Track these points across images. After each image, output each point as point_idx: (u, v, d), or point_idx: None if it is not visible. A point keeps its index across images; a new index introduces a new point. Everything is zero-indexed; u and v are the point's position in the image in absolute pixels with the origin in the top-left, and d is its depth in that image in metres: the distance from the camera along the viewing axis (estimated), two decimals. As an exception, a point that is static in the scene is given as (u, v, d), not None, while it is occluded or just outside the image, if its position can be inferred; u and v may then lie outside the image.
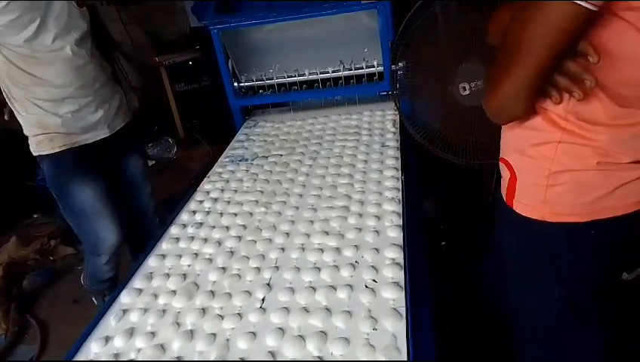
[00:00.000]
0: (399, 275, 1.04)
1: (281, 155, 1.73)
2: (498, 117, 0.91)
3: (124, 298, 1.11)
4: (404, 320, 0.93)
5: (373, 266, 1.09)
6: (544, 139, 0.90)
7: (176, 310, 1.05)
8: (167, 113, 4.15)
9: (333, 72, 2.04)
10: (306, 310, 0.99)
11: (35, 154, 1.71)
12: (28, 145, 1.72)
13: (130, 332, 1.00)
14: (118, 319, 1.05)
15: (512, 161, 0.98)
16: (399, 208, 1.28)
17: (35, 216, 3.09)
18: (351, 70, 2.03)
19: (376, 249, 1.14)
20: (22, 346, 2.02)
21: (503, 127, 0.99)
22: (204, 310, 1.04)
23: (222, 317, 1.01)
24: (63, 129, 1.68)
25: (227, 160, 1.77)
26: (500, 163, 1.03)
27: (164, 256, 1.24)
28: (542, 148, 0.91)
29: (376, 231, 1.20)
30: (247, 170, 1.65)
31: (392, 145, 1.65)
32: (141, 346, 0.97)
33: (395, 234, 1.18)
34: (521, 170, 0.96)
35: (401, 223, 1.22)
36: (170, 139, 3.95)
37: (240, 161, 1.74)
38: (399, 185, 1.39)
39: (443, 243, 2.10)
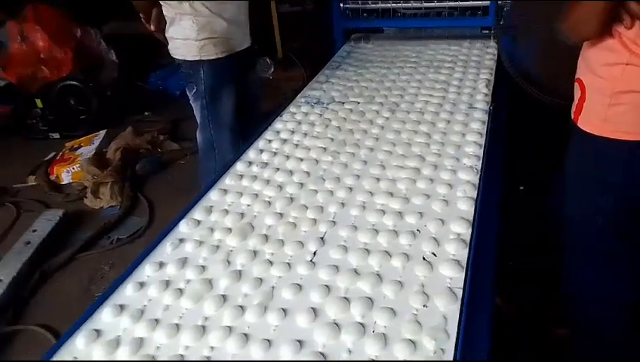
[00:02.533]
0: (462, 253, 0.96)
1: (359, 103, 1.65)
2: (570, 35, 1.04)
3: (183, 227, 1.13)
4: (459, 303, 0.86)
5: (435, 238, 1.01)
6: (614, 60, 1.00)
7: (229, 248, 1.06)
8: (269, 33, 4.17)
9: (437, 1, 2.08)
10: (356, 272, 0.95)
11: (193, 59, 1.70)
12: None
13: (183, 262, 1.02)
14: (174, 247, 1.07)
15: (585, 79, 1.09)
16: (476, 179, 1.17)
17: (147, 113, 3.51)
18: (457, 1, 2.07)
19: (441, 220, 1.06)
20: (133, 218, 2.29)
21: (582, 47, 1.09)
22: (255, 253, 1.03)
23: (271, 263, 1.00)
24: (227, 34, 1.68)
25: (303, 100, 1.72)
26: (575, 83, 1.13)
27: (225, 192, 1.24)
28: (611, 69, 1.01)
29: (446, 201, 1.11)
30: (321, 115, 1.59)
31: (481, 107, 1.51)
32: (191, 278, 0.98)
33: (466, 208, 1.09)
34: (590, 89, 1.07)
35: (475, 196, 1.12)
36: (268, 60, 3.97)
37: (315, 103, 1.68)
38: (480, 152, 1.27)
39: (521, 187, 1.96)
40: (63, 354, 0.84)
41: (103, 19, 3.83)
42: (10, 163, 2.86)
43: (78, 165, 2.49)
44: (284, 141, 1.46)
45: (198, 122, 1.82)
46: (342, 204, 1.15)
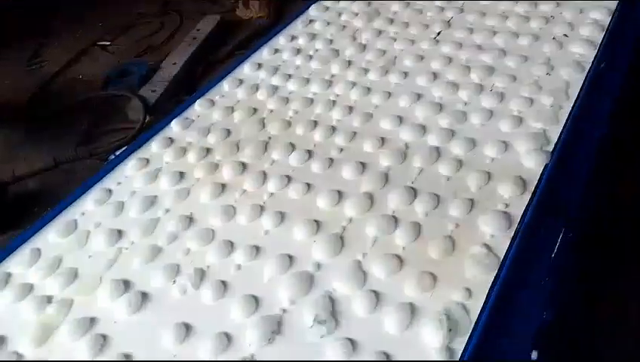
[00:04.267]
0: (597, 36, 0.92)
1: None
2: None
3: (312, 11, 1.20)
4: (584, 73, 0.85)
5: (569, 23, 0.97)
6: None
7: (355, 28, 1.11)
8: None
9: None
10: (479, 47, 0.96)
11: None
12: None
13: (312, 37, 1.10)
14: (305, 24, 1.15)
15: None
16: None
17: None
18: None
19: (580, 8, 1.00)
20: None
21: None
22: (380, 32, 1.08)
23: (394, 39, 1.04)
24: None
25: None
26: None
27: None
28: None
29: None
30: None
31: None
32: (319, 47, 1.07)
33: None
34: None
35: None
36: None
37: None
38: None
39: None
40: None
41: None
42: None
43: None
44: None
45: None
46: (471, -5, 1.13)
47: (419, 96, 0.88)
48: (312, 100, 0.93)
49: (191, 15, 2.03)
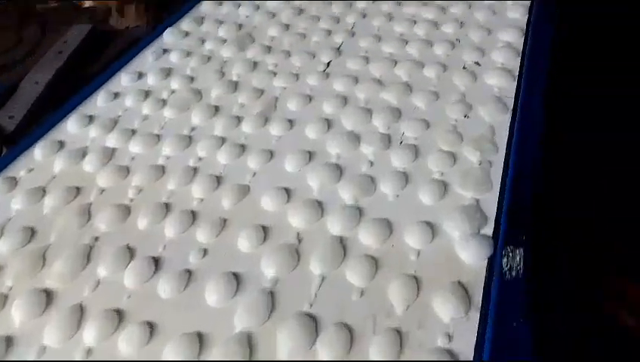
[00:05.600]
0: (513, 63, 0.77)
1: None
2: None
3: (167, 37, 0.93)
4: (509, 113, 0.68)
5: (479, 47, 0.81)
6: None
7: (224, 59, 0.86)
8: None
9: None
10: (379, 82, 0.76)
11: None
12: None
13: (167, 73, 0.84)
14: (156, 57, 0.88)
15: None
16: None
17: None
18: None
19: (487, 29, 0.84)
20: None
21: None
22: (255, 63, 0.84)
23: (274, 73, 0.81)
24: None
25: None
26: None
27: (220, 4, 1.02)
28: None
29: (492, 10, 0.89)
30: None
31: None
32: (176, 87, 0.80)
33: (519, 15, 0.87)
34: None
35: None
36: None
37: None
38: None
39: None
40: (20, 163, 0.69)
41: None
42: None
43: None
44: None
45: None
46: (362, 15, 0.93)
47: (310, 156, 0.65)
48: (163, 169, 0.66)
49: (56, 26, 1.68)
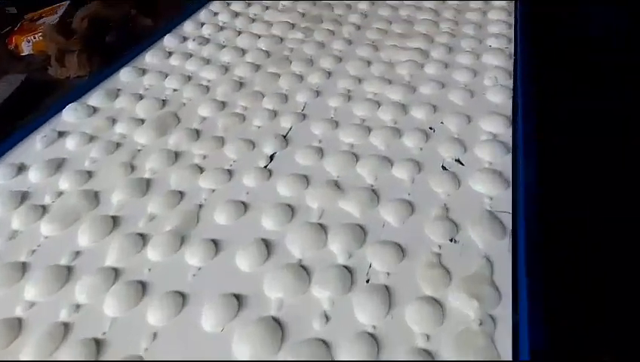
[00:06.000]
0: (504, 161, 0.61)
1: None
2: None
3: (67, 115, 0.73)
4: (508, 237, 0.51)
5: (458, 139, 0.65)
6: None
7: (137, 146, 0.67)
8: None
9: None
10: (336, 185, 0.59)
11: None
12: None
13: (57, 166, 0.63)
14: (46, 142, 0.67)
15: None
16: (509, 64, 0.81)
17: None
18: None
19: (467, 116, 0.70)
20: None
21: None
22: (176, 155, 0.65)
23: (201, 170, 0.62)
24: None
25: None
26: None
27: (143, 72, 0.84)
28: None
29: (470, 91, 0.75)
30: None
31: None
32: (65, 188, 0.60)
33: (499, 100, 0.73)
34: None
35: (510, 84, 0.76)
36: None
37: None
38: (511, 33, 0.90)
39: None
40: None
41: None
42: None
43: (40, 34, 2.06)
44: (237, 15, 1.04)
45: None
46: (316, 91, 0.77)
47: (239, 307, 0.46)
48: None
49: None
